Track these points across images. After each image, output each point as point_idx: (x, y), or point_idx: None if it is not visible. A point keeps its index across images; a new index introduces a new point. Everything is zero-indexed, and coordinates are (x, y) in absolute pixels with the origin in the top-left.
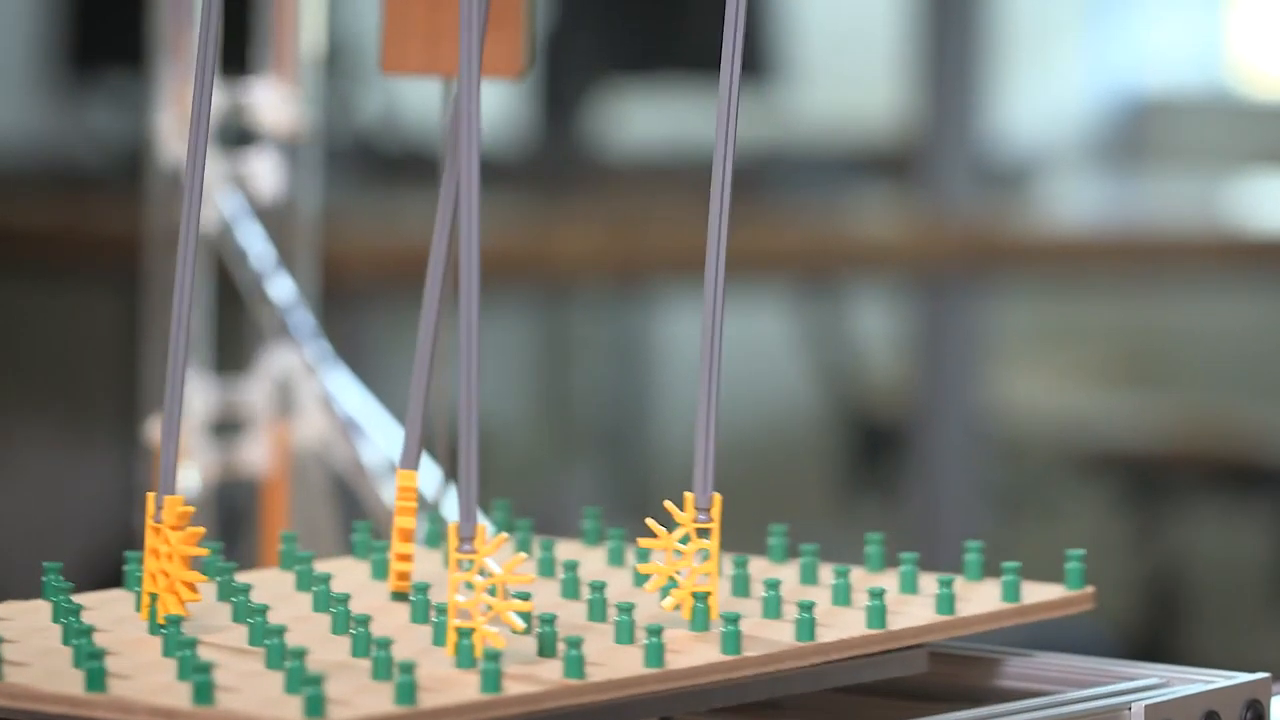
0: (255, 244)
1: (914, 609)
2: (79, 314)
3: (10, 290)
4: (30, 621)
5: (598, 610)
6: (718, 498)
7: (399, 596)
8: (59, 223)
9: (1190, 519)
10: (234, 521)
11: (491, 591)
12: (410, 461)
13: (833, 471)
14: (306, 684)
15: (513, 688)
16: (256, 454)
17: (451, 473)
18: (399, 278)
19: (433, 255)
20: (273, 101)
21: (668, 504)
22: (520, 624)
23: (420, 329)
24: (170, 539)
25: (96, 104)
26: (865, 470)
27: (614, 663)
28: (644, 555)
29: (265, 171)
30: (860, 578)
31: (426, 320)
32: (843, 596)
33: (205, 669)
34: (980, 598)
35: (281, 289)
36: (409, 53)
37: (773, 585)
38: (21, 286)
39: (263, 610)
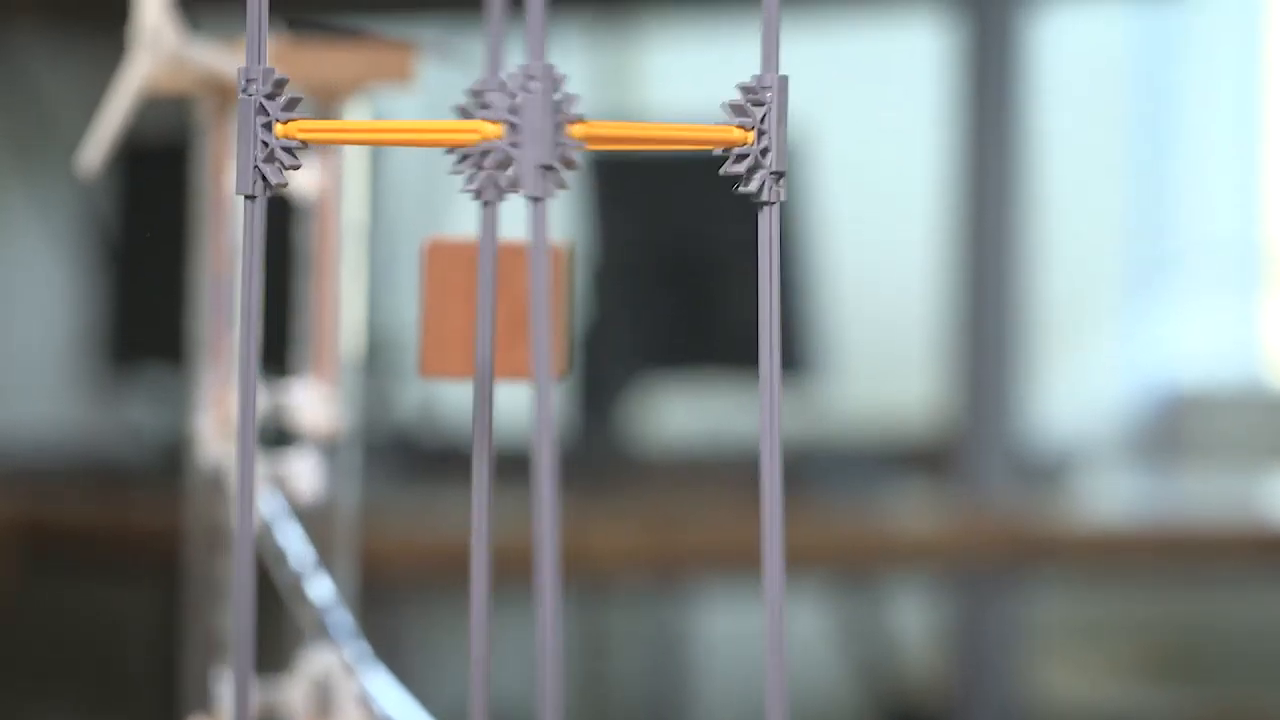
0: (294, 544)
1: None
2: (117, 610)
3: (49, 585)
4: None
5: None
6: None
7: None
8: (98, 518)
9: None
10: None
11: None
12: None
13: None
14: None
15: None
16: None
17: None
18: (438, 573)
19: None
20: (312, 403)
21: None
22: None
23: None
24: None
25: (135, 400)
26: None
27: None
28: None
29: (304, 472)
30: None
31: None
32: None
33: None
34: None
35: (320, 589)
36: (449, 357)
37: None
38: (60, 582)
39: None
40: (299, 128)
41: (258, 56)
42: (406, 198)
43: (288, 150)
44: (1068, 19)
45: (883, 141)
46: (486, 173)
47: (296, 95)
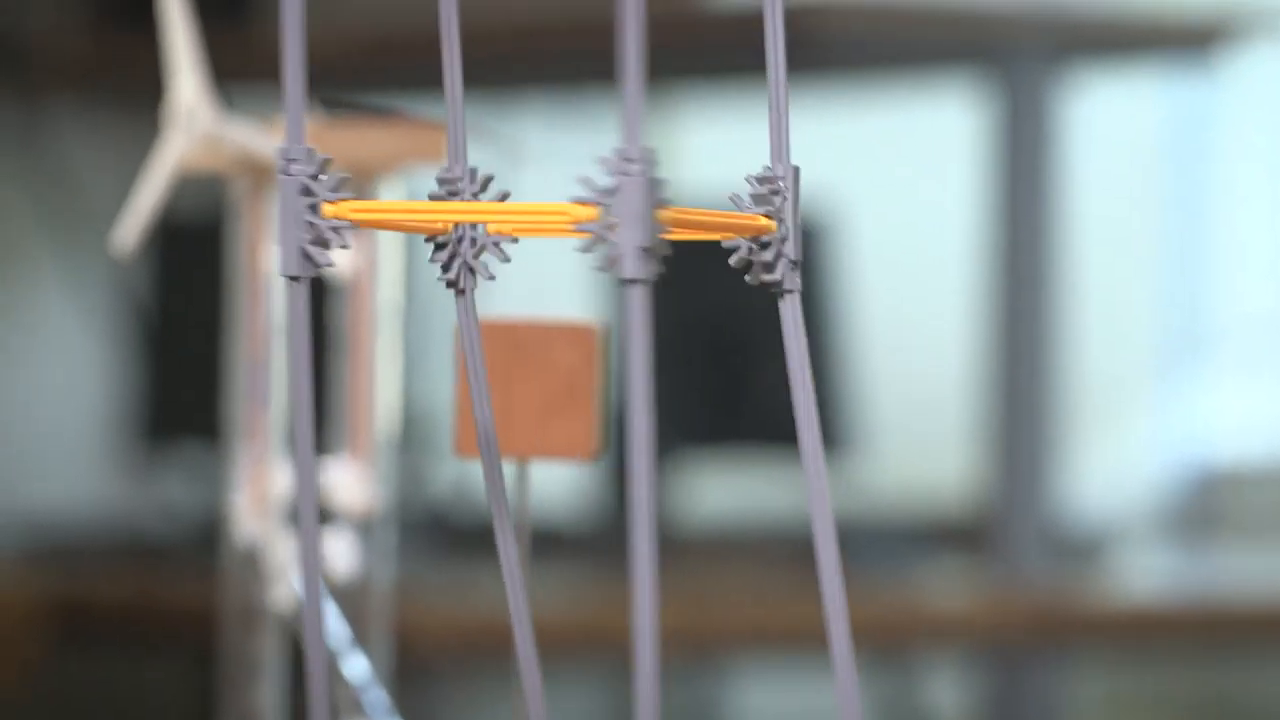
0: (330, 622)
1: None
2: (152, 687)
3: (84, 662)
4: None
5: None
6: None
7: None
8: (132, 595)
9: None
10: None
11: None
12: None
13: None
14: None
15: None
16: None
17: None
18: (473, 650)
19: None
20: (347, 481)
21: None
22: None
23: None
24: None
25: (170, 477)
26: None
27: None
28: None
29: (340, 551)
30: None
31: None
32: None
33: None
34: None
35: (356, 667)
36: None
37: None
38: (95, 659)
39: None
40: (353, 209)
41: (298, 135)
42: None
43: (335, 231)
44: (1100, 95)
45: (917, 218)
46: (601, 249)
47: (343, 174)
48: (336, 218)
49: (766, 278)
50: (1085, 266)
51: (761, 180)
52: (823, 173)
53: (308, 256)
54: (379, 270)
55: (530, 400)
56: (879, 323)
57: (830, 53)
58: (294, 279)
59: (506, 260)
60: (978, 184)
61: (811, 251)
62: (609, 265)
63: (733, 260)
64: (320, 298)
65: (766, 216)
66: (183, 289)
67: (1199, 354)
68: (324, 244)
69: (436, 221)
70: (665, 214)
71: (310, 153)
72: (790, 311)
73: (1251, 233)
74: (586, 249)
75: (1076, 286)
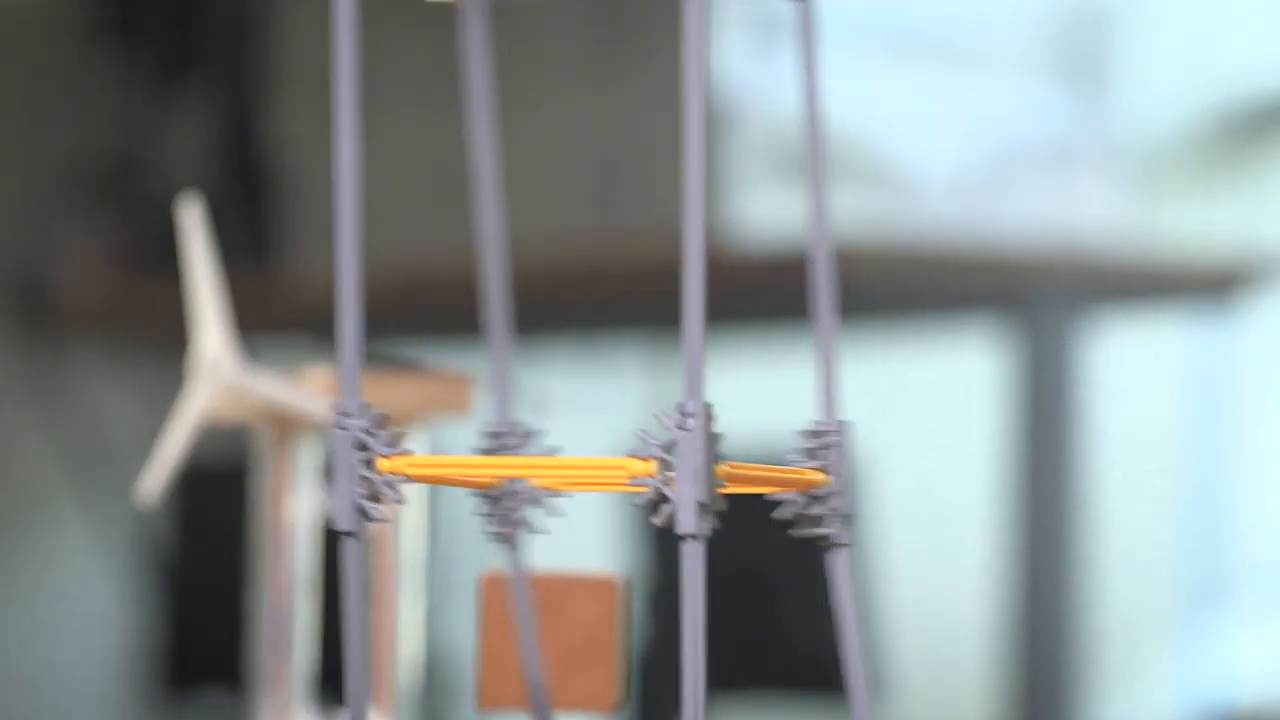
0: None
1: None
2: None
3: None
4: None
5: None
6: None
7: None
8: None
9: None
10: None
11: None
12: None
13: None
14: None
15: None
16: None
17: None
18: None
19: None
20: None
21: None
22: None
23: None
24: None
25: None
26: None
27: None
28: None
29: None
30: None
31: None
32: None
33: None
34: None
35: None
36: (506, 689)
37: None
38: None
39: None
40: (409, 463)
41: (354, 390)
42: (462, 527)
43: (390, 486)
44: (1122, 339)
45: (939, 462)
46: (659, 509)
47: (400, 430)
48: (393, 473)
49: (818, 531)
50: (1108, 509)
51: (812, 434)
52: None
53: (362, 511)
54: (402, 520)
55: (551, 652)
56: (901, 565)
57: (852, 298)
58: (349, 534)
59: (560, 515)
60: (1001, 428)
61: None
62: (666, 520)
63: (782, 514)
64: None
65: (819, 470)
66: (205, 535)
67: (1222, 596)
68: (377, 499)
69: (492, 476)
70: (722, 469)
71: (365, 407)
72: (843, 565)
73: (1275, 475)
74: (642, 503)
75: (1099, 530)
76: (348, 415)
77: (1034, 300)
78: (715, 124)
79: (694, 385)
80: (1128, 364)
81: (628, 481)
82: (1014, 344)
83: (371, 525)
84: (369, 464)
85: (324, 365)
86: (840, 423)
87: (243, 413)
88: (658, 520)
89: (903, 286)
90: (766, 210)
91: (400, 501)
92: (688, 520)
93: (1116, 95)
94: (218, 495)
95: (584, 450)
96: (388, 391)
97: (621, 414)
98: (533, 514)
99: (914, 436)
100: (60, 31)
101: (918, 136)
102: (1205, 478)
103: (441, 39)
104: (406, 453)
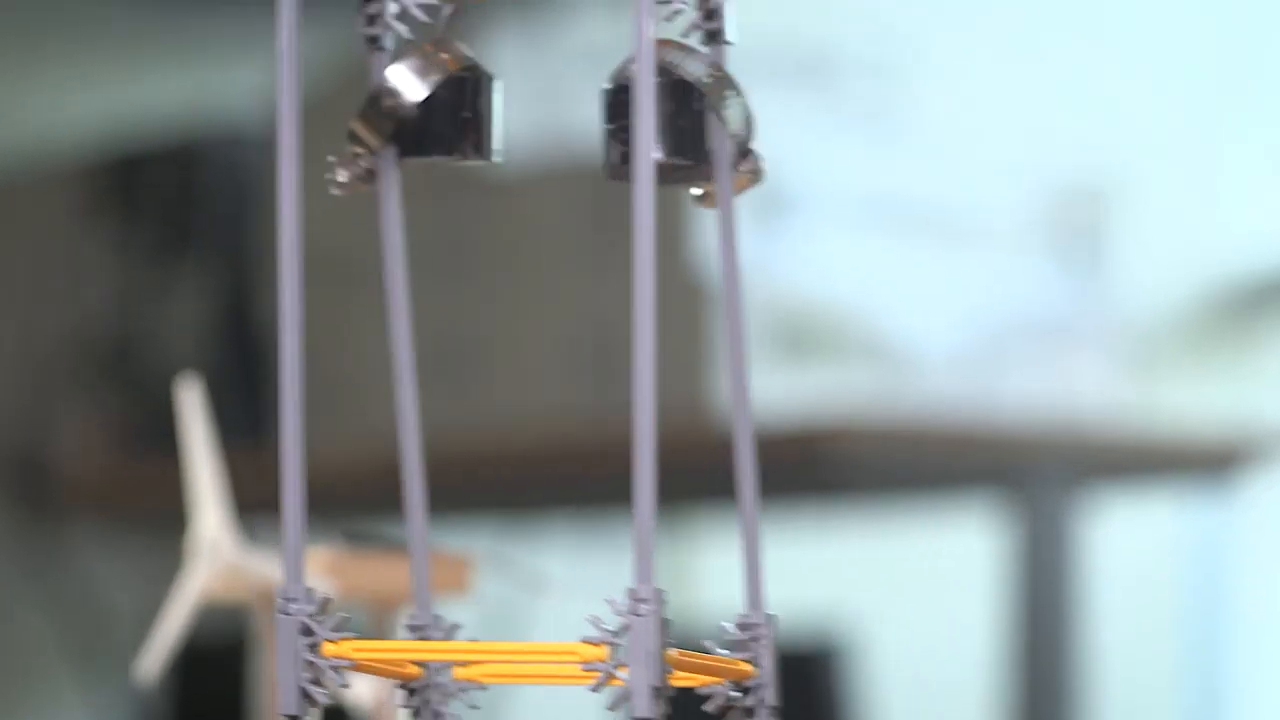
0: None
1: None
2: None
3: None
4: None
5: None
6: None
7: None
8: None
9: None
10: None
11: None
12: None
13: None
14: None
15: None
16: None
17: None
18: None
19: None
20: None
21: None
22: None
23: None
24: None
25: None
26: None
27: None
28: None
29: None
30: None
31: None
32: None
33: None
34: None
35: None
36: None
37: None
38: None
39: None
40: (354, 648)
41: (297, 575)
42: None
43: (335, 670)
44: (1117, 517)
45: (935, 640)
46: (610, 689)
47: (345, 615)
48: (338, 657)
49: None
50: (1106, 689)
51: (741, 626)
52: (840, 595)
53: (306, 696)
54: (399, 698)
55: None
56: None
57: (846, 475)
58: (293, 718)
59: (475, 708)
60: (997, 606)
61: (831, 673)
62: (618, 704)
63: (710, 706)
64: None
65: (747, 662)
66: (203, 714)
67: None
68: (321, 683)
69: (414, 664)
70: (670, 655)
71: (310, 592)
72: None
73: (1272, 655)
74: (595, 688)
75: (1097, 711)
76: (292, 600)
77: (1031, 477)
78: (706, 300)
79: (644, 571)
80: (1125, 542)
81: (580, 668)
82: (1011, 521)
83: (317, 708)
84: (314, 648)
85: (321, 545)
86: (768, 616)
87: (241, 592)
88: (610, 705)
89: (900, 463)
90: (759, 387)
91: (345, 685)
92: (641, 704)
93: (1113, 272)
94: (216, 675)
95: (577, 634)
96: (382, 572)
97: (620, 594)
98: (455, 707)
99: (911, 614)
100: (59, 208)
101: (915, 314)
102: (1203, 657)
103: (430, 208)
104: (352, 636)
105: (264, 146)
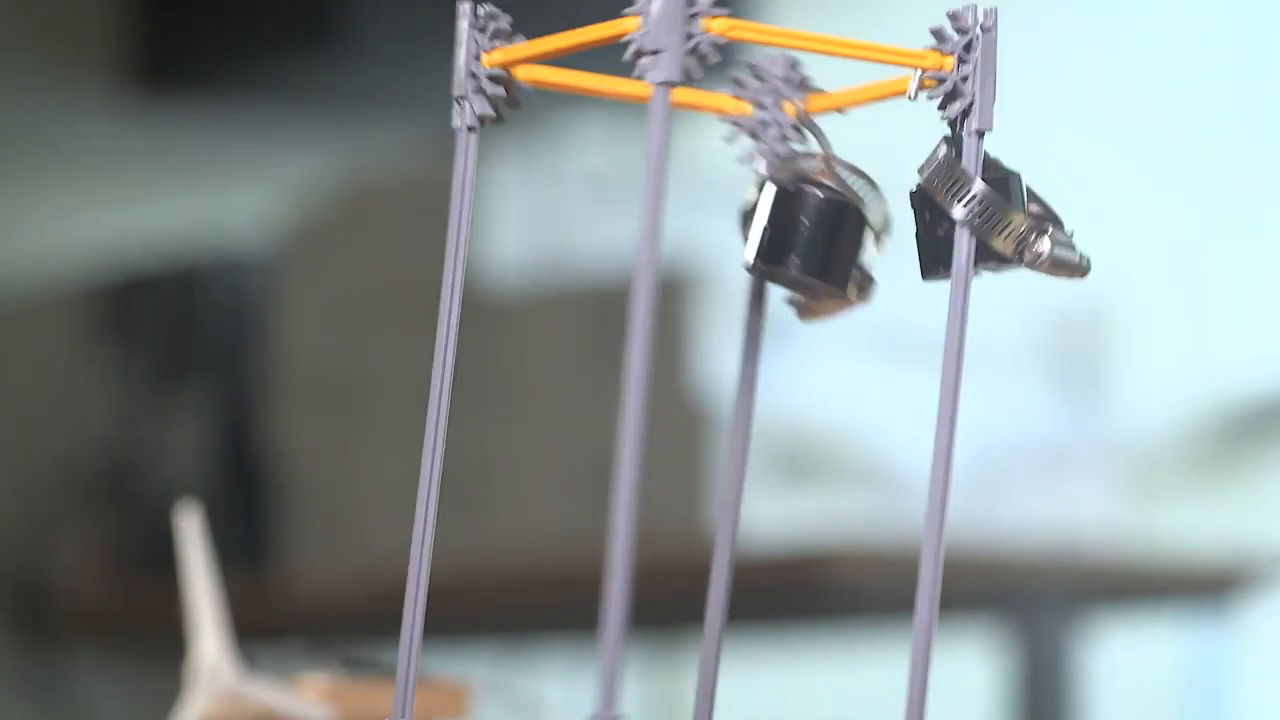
0: None
1: None
2: None
3: None
4: None
5: None
6: None
7: None
8: None
9: None
10: None
11: None
12: None
13: None
14: None
15: None
16: None
17: None
18: None
19: None
20: None
21: None
22: None
23: None
24: None
25: None
26: None
27: None
28: None
29: None
30: None
31: None
32: None
33: None
34: None
35: None
36: None
37: None
38: None
39: None
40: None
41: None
42: None
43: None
44: (1116, 641)
45: None
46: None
47: None
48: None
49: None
50: None
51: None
52: (838, 718)
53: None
54: None
55: None
56: None
57: (844, 599)
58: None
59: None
60: None
61: None
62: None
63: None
64: None
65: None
66: None
67: None
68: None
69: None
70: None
71: None
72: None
73: None
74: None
75: None
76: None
77: (1030, 601)
78: (710, 424)
79: (607, 698)
80: (1125, 666)
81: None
82: (1011, 645)
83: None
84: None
85: (321, 672)
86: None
87: (241, 719)
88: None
89: (898, 587)
90: (761, 511)
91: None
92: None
93: (1111, 397)
94: None
95: None
96: (380, 699)
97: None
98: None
99: None
100: (59, 331)
101: (913, 437)
102: None
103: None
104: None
105: (264, 271)
